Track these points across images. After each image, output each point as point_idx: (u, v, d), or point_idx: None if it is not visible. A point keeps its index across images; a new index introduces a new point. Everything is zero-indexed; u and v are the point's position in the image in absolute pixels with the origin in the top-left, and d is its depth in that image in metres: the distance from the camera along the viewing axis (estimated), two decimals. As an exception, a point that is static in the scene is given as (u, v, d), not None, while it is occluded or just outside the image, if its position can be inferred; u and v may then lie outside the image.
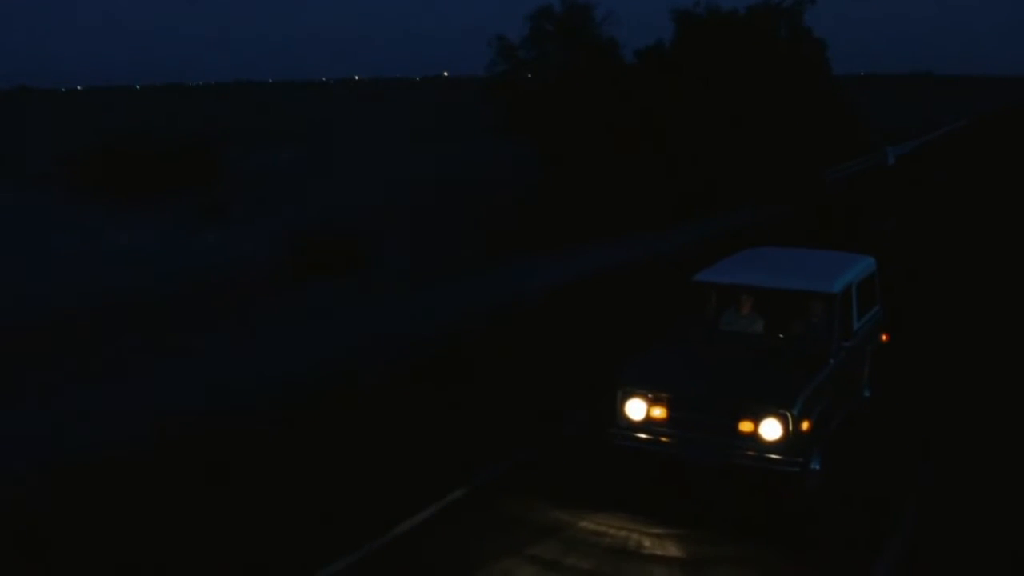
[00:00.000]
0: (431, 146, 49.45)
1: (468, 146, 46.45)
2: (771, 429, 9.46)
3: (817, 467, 10.00)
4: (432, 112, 78.34)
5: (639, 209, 27.28)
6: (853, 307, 11.16)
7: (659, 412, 9.96)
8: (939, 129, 62.01)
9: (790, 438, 9.42)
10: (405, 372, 14.35)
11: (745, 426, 9.58)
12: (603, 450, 10.41)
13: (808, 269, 11.53)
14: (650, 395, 9.99)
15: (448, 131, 56.44)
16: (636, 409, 10.03)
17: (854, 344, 10.93)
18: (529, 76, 34.58)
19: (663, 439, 9.95)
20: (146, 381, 14.01)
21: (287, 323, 17.53)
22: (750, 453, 9.56)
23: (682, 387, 9.98)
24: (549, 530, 9.54)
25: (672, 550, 9.17)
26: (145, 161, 35.58)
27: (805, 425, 9.53)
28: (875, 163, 42.13)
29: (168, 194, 32.55)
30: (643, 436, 10.01)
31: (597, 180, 28.35)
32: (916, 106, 65.14)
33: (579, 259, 23.08)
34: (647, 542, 9.32)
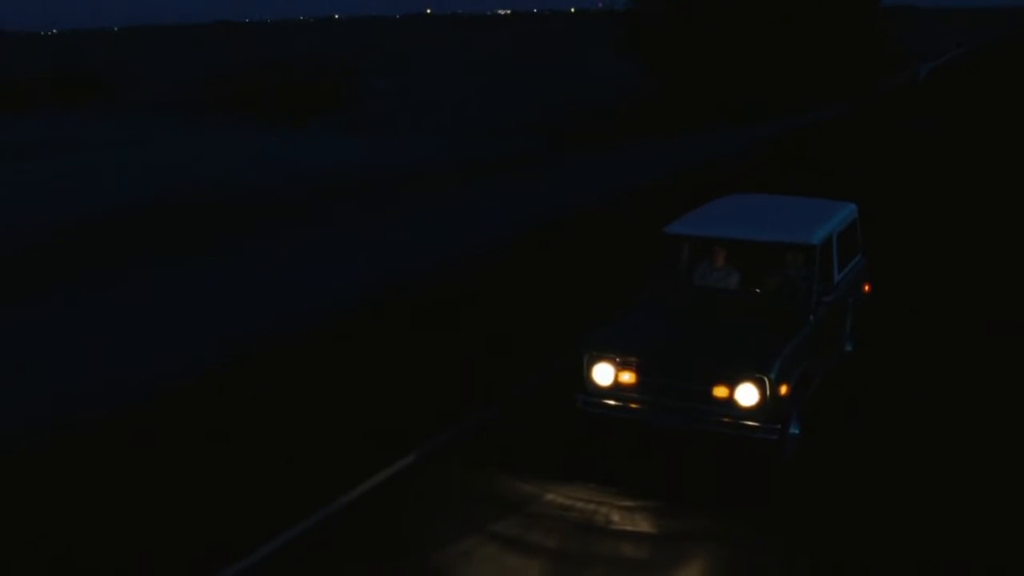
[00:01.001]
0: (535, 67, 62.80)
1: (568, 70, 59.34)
2: (747, 394, 8.90)
3: (796, 432, 9.47)
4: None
5: (730, 109, 35.73)
6: (834, 258, 10.55)
7: (628, 377, 9.38)
8: (946, 55, 72.90)
9: (767, 404, 8.87)
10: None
11: (719, 391, 9.02)
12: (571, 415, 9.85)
13: (786, 219, 10.91)
14: (618, 359, 9.40)
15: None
16: (604, 374, 9.44)
17: (835, 298, 10.34)
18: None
19: (633, 406, 9.38)
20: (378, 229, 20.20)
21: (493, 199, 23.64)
22: (725, 420, 9.01)
23: (652, 351, 9.39)
24: (512, 504, 9.00)
25: (643, 525, 8.64)
26: (284, 88, 42.61)
27: (783, 389, 8.97)
28: (909, 78, 51.09)
29: (309, 114, 40.20)
30: (611, 403, 9.44)
31: (695, 86, 37.48)
32: (910, 35, 71.21)
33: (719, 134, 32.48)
34: (616, 516, 8.78)
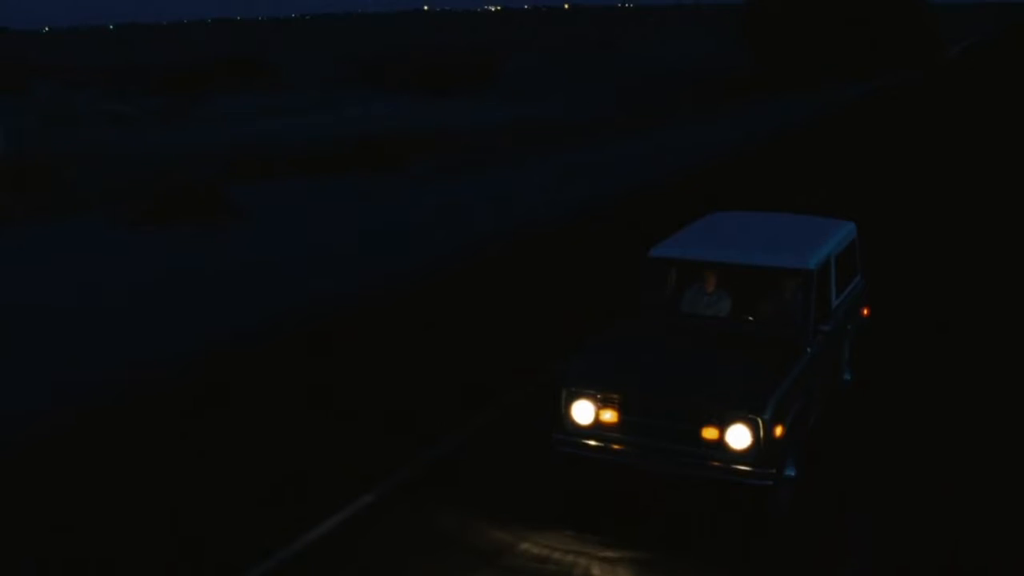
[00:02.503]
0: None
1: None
2: (739, 437, 8.22)
3: (792, 473, 8.79)
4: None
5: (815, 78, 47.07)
6: (831, 283, 9.88)
7: (610, 416, 8.69)
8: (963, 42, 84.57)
9: (761, 447, 8.19)
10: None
11: (709, 433, 8.33)
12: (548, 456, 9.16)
13: (780, 240, 10.22)
14: (599, 396, 8.70)
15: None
16: (583, 412, 8.75)
17: (833, 326, 9.67)
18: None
19: (615, 447, 8.68)
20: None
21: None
22: (715, 464, 8.32)
23: (635, 387, 8.70)
24: (484, 554, 8.32)
25: (625, 579, 8.02)
26: (436, 68, 51.65)
27: (778, 431, 8.29)
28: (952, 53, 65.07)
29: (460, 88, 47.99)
30: (591, 443, 8.74)
31: (790, 60, 49.68)
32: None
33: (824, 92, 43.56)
34: (596, 569, 8.11)
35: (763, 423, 8.15)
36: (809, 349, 9.10)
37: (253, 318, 14.33)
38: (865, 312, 11.24)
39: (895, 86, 47.77)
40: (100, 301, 15.08)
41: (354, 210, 22.07)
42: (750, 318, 9.75)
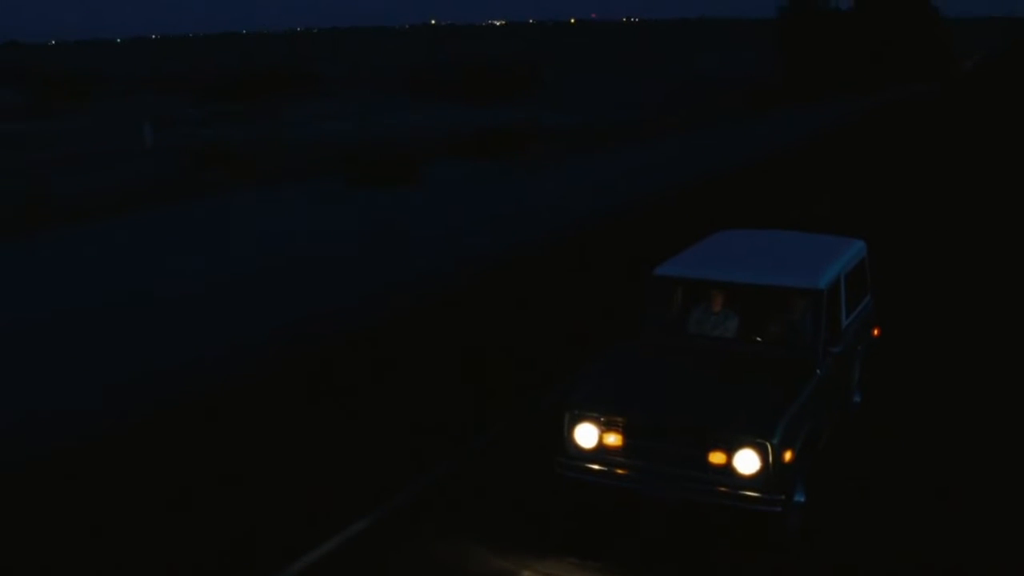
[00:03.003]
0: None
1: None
2: (747, 462, 8.00)
3: (801, 499, 8.56)
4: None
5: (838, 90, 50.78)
6: (842, 303, 9.68)
7: (613, 439, 8.47)
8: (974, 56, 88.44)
9: (770, 472, 7.96)
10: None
11: (716, 457, 8.11)
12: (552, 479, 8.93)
13: (789, 259, 10.02)
14: (602, 419, 8.49)
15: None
16: (586, 436, 8.54)
17: (843, 348, 9.46)
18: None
19: (619, 471, 8.46)
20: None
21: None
22: (722, 489, 8.10)
23: (640, 410, 8.49)
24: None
25: (629, 609, 7.82)
26: (486, 75, 54.25)
27: (787, 456, 8.07)
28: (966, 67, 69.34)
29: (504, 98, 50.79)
30: (595, 467, 8.52)
31: (818, 72, 53.08)
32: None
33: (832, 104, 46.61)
34: (600, 598, 7.92)
35: (772, 448, 7.93)
36: (819, 371, 8.89)
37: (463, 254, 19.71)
38: (875, 332, 11.02)
39: (915, 97, 51.13)
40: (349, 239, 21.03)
41: (501, 185, 28.03)
42: (758, 339, 9.54)
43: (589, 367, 9.27)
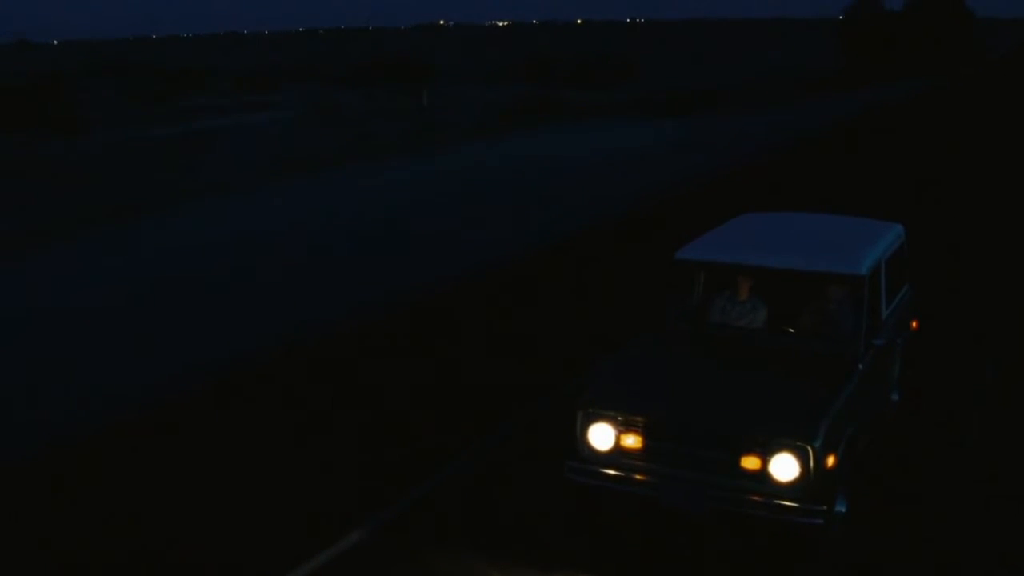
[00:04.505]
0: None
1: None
2: (785, 468, 7.15)
3: (843, 510, 7.71)
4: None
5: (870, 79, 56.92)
6: (882, 291, 8.82)
7: (632, 441, 7.61)
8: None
9: (810, 479, 7.12)
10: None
11: (749, 462, 7.26)
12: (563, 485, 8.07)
13: (824, 243, 9.16)
14: (620, 419, 7.63)
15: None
16: (602, 437, 7.68)
17: (885, 340, 8.60)
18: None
19: (638, 477, 7.60)
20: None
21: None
22: (756, 498, 7.24)
23: (663, 409, 7.63)
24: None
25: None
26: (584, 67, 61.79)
27: (830, 461, 7.23)
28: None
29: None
30: (612, 472, 7.66)
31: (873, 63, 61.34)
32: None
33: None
34: (617, 621, 7.08)
35: (813, 452, 7.08)
36: (861, 366, 8.03)
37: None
38: (914, 325, 10.16)
39: (961, 80, 58.29)
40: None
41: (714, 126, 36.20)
42: (790, 331, 8.69)
43: (605, 362, 8.40)
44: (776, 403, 7.50)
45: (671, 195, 22.07)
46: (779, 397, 7.59)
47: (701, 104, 43.53)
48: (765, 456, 7.20)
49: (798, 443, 7.11)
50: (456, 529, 8.07)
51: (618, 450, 7.65)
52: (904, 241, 9.80)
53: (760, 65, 69.13)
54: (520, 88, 53.10)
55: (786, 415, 7.32)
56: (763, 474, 7.22)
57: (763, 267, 8.70)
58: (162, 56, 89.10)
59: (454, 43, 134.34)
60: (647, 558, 7.66)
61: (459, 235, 18.55)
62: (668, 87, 51.93)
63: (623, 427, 7.62)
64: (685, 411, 7.58)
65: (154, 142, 35.36)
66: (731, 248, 9.04)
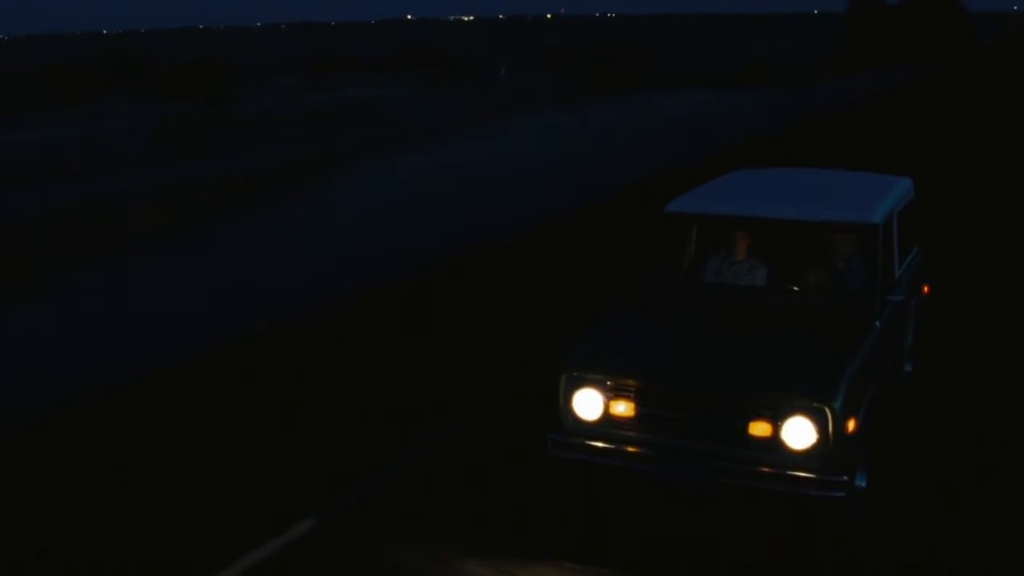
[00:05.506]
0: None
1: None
2: (800, 433, 6.28)
3: (863, 485, 6.85)
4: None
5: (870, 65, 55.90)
6: (895, 246, 7.99)
7: (624, 409, 6.72)
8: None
9: (830, 446, 6.25)
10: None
11: (758, 428, 6.39)
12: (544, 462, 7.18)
13: (831, 193, 8.34)
14: (609, 383, 6.74)
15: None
16: (589, 404, 6.78)
17: (900, 299, 7.77)
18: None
19: (630, 449, 6.71)
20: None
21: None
22: (766, 470, 6.37)
23: (658, 370, 6.75)
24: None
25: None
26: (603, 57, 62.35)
27: (851, 425, 6.37)
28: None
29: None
30: (600, 445, 6.76)
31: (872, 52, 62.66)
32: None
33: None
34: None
35: (833, 414, 6.22)
36: (877, 323, 7.19)
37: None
38: (926, 290, 9.35)
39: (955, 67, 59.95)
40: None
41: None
42: (795, 288, 7.84)
43: (594, 322, 7.51)
44: (787, 361, 6.64)
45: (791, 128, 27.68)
46: (789, 355, 6.73)
47: (748, 80, 46.92)
48: (776, 421, 6.33)
49: (815, 404, 6.24)
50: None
51: (607, 419, 6.75)
52: (913, 198, 8.99)
53: (770, 53, 71.58)
54: (551, 77, 55.50)
55: (799, 373, 6.46)
56: (775, 442, 6.34)
57: (764, 218, 7.85)
58: (160, 50, 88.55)
59: (455, 36, 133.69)
60: (643, 541, 6.78)
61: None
62: (691, 71, 55.38)
63: (613, 392, 6.73)
64: (683, 372, 6.70)
65: (315, 109, 39.86)
66: (728, 199, 8.20)
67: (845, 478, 6.30)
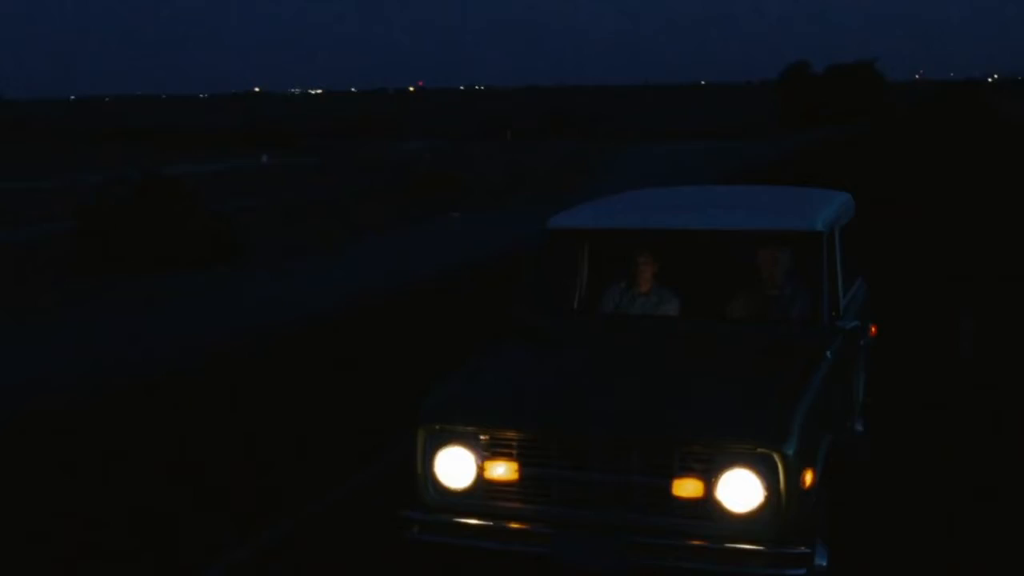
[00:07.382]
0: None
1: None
2: (741, 490, 4.71)
3: (824, 563, 5.24)
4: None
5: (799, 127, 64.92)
6: (838, 265, 6.52)
7: (504, 471, 5.06)
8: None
9: (782, 506, 4.67)
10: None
11: (685, 487, 4.80)
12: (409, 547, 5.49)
13: (759, 203, 6.92)
14: (484, 438, 5.09)
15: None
16: (458, 468, 5.12)
17: (853, 326, 6.26)
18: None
19: (514, 526, 5.04)
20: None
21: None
22: (696, 543, 4.75)
23: (550, 419, 5.12)
24: None
25: None
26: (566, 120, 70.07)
27: (808, 478, 4.81)
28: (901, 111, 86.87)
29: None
30: (473, 522, 5.09)
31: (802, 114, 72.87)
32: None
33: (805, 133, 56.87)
34: None
35: (784, 462, 4.66)
36: (828, 354, 5.68)
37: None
38: (873, 330, 7.89)
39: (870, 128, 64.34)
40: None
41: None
42: (717, 320, 6.33)
43: (463, 364, 5.87)
44: (719, 399, 5.09)
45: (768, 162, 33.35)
46: (722, 392, 5.19)
47: (701, 135, 53.51)
48: (709, 475, 4.75)
49: (759, 449, 4.69)
50: None
51: (482, 486, 5.09)
52: (854, 216, 7.58)
53: (711, 116, 79.73)
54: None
55: (737, 412, 4.91)
56: (707, 504, 4.76)
57: (675, 230, 6.36)
58: (136, 117, 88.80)
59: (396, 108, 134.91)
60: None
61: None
62: (643, 130, 59.98)
63: (488, 450, 5.08)
64: (581, 418, 5.09)
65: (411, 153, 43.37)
66: (625, 212, 6.71)
67: (804, 549, 4.71)
